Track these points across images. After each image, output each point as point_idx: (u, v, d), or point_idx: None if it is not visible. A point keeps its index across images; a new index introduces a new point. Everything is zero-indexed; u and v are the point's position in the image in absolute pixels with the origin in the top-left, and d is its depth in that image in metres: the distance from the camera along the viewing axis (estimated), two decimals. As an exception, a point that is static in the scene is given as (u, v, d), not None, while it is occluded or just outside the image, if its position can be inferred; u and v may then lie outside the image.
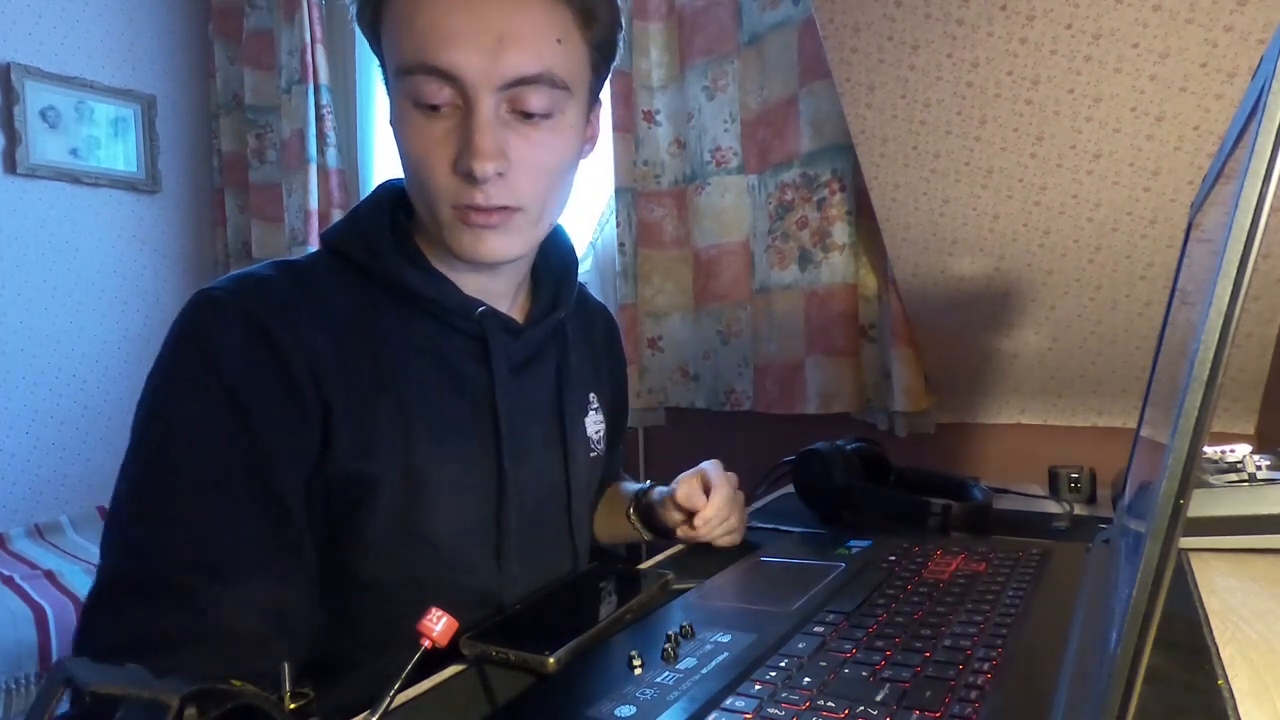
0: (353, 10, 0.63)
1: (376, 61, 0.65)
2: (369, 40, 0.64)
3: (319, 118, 2.13)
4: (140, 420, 0.57)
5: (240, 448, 0.55)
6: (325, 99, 2.13)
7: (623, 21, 0.67)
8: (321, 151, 2.14)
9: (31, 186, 2.14)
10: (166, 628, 0.52)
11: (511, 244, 0.63)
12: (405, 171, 0.63)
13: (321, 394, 0.58)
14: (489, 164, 0.57)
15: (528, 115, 0.59)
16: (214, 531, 0.54)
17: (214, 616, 0.52)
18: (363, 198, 0.70)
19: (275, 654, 0.54)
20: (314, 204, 2.11)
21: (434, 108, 0.58)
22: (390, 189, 0.70)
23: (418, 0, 0.57)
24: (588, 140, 0.68)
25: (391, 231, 0.65)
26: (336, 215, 2.14)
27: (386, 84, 0.65)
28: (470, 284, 0.68)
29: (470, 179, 0.58)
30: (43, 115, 2.15)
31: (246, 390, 0.55)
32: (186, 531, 0.53)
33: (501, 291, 0.70)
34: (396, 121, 0.61)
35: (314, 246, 2.30)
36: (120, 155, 2.31)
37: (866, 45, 1.00)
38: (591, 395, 0.80)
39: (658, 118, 1.62)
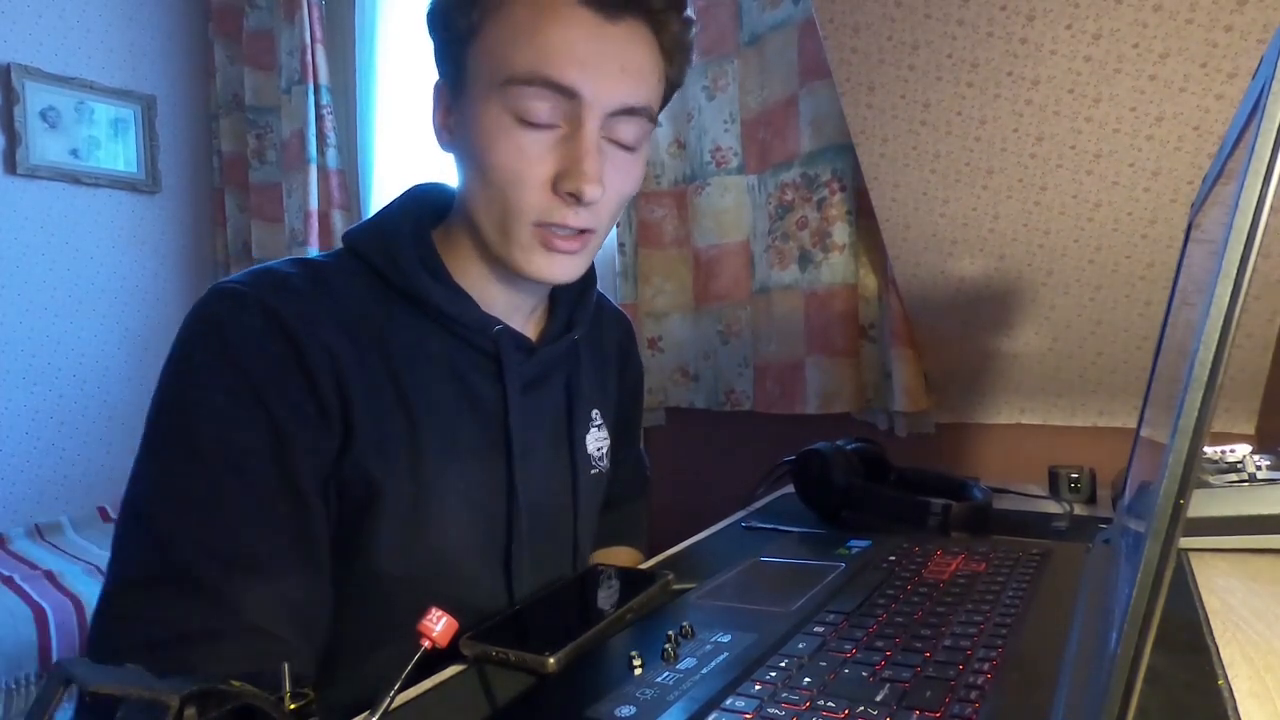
0: (434, 5, 0.61)
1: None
2: (448, 43, 0.61)
3: (319, 118, 2.12)
4: (157, 413, 0.55)
5: (262, 435, 0.54)
6: (325, 99, 2.13)
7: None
8: (321, 152, 2.14)
9: (31, 187, 2.14)
10: (192, 624, 0.50)
11: (578, 266, 0.64)
12: (482, 181, 0.61)
13: (342, 391, 0.57)
14: (597, 188, 0.58)
15: (618, 143, 0.61)
16: (239, 521, 0.52)
17: (241, 612, 0.51)
18: (390, 201, 0.68)
19: (299, 654, 0.53)
20: (314, 204, 2.11)
21: (536, 124, 0.58)
22: (418, 196, 0.69)
23: (544, 14, 0.57)
24: None
25: (415, 240, 0.64)
26: (337, 216, 2.14)
27: (452, 87, 0.62)
28: (497, 298, 0.67)
29: (571, 199, 0.59)
30: (43, 115, 2.15)
31: (265, 381, 0.54)
32: (210, 521, 0.52)
33: (524, 306, 0.70)
34: (487, 130, 0.59)
35: (314, 247, 2.28)
36: (120, 155, 2.31)
37: (866, 45, 1.00)
38: (595, 412, 0.79)
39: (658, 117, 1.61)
